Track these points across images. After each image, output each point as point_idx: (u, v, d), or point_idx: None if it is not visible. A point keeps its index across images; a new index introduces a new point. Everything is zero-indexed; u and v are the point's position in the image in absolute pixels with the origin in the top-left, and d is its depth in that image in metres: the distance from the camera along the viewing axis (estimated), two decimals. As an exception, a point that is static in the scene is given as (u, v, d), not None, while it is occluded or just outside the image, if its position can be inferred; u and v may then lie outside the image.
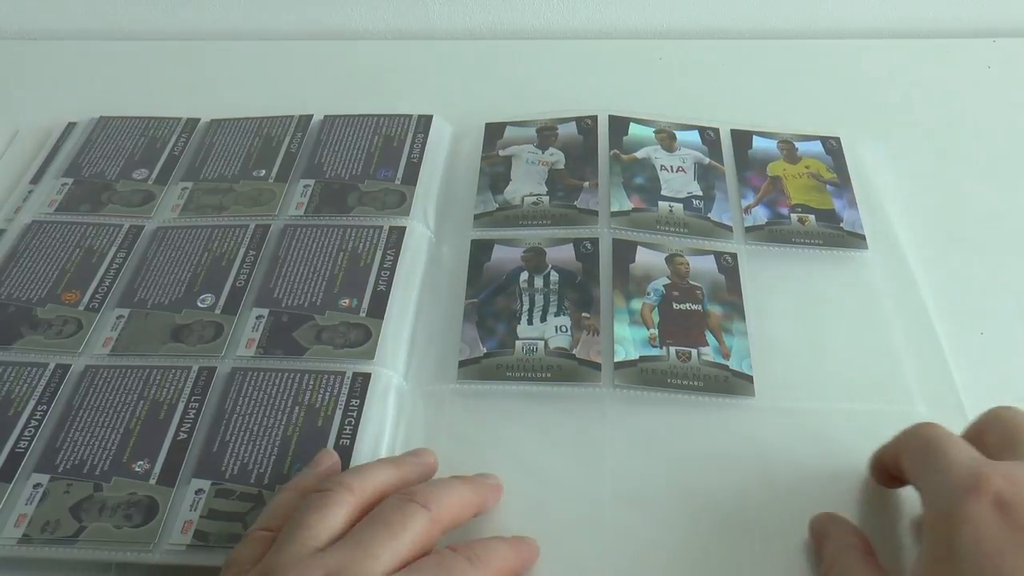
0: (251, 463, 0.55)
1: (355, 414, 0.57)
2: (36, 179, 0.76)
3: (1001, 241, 0.69)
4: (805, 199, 0.70)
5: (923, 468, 0.46)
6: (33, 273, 0.67)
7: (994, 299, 0.65)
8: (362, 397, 0.58)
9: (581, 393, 0.59)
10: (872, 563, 0.47)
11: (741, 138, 0.75)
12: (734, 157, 0.74)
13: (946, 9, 0.91)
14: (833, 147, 0.74)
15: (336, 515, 0.47)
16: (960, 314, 0.63)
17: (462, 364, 0.61)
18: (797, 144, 0.75)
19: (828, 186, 0.71)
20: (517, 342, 0.62)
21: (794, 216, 0.69)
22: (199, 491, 0.54)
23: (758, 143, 0.75)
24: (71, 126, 0.81)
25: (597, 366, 0.60)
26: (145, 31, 0.95)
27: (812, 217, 0.69)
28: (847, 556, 0.48)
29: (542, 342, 0.62)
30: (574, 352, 0.61)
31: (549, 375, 0.60)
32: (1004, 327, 0.63)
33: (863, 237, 0.67)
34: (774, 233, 0.68)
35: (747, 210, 0.70)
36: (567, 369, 0.60)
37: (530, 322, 0.63)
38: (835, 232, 0.68)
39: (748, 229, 0.68)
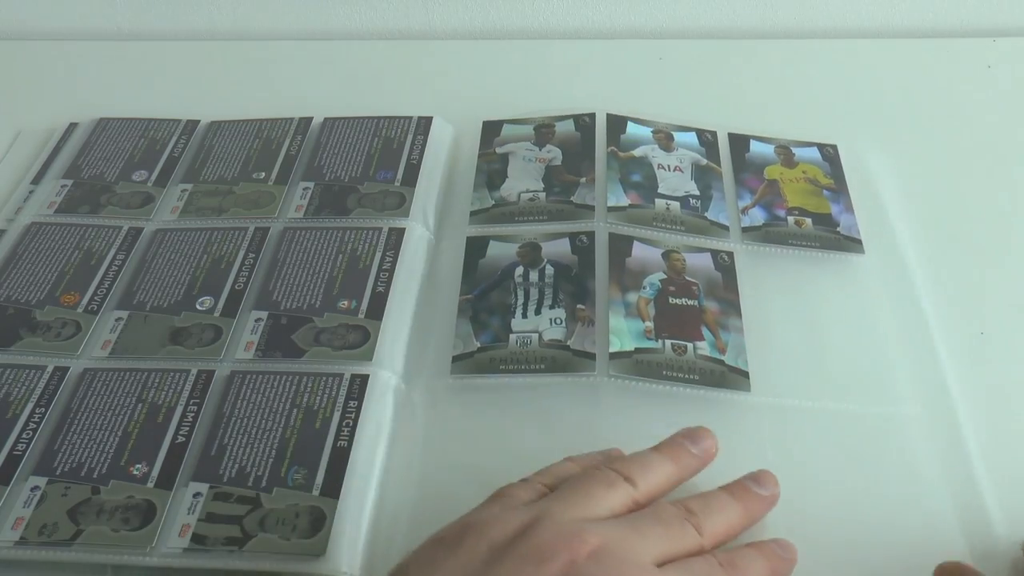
0: (249, 466, 0.55)
1: (353, 415, 0.57)
2: (36, 180, 0.76)
3: (1002, 240, 0.69)
4: (802, 203, 0.70)
5: None
6: (32, 275, 0.67)
7: (994, 299, 0.65)
8: (360, 398, 0.58)
9: (576, 383, 0.59)
10: None
11: (739, 142, 0.75)
12: (731, 159, 0.74)
13: (946, 9, 0.91)
14: (830, 154, 0.74)
15: (616, 498, 0.48)
16: (960, 314, 0.63)
17: (455, 359, 0.61)
18: (794, 150, 0.74)
19: (825, 191, 0.71)
20: (511, 335, 0.62)
21: (791, 219, 0.69)
22: (197, 494, 0.54)
23: (755, 147, 0.75)
24: (72, 127, 0.81)
25: (592, 356, 0.60)
26: (145, 32, 0.95)
27: (809, 220, 0.69)
28: None
29: (536, 335, 0.62)
30: (568, 343, 0.61)
31: (543, 366, 0.60)
32: (1004, 327, 0.63)
33: (859, 242, 0.67)
34: (771, 234, 0.68)
35: (744, 211, 0.70)
36: (561, 360, 0.60)
37: (524, 315, 0.63)
38: (832, 236, 0.68)
39: (745, 229, 0.68)
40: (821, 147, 0.75)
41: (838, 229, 0.68)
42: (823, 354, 0.61)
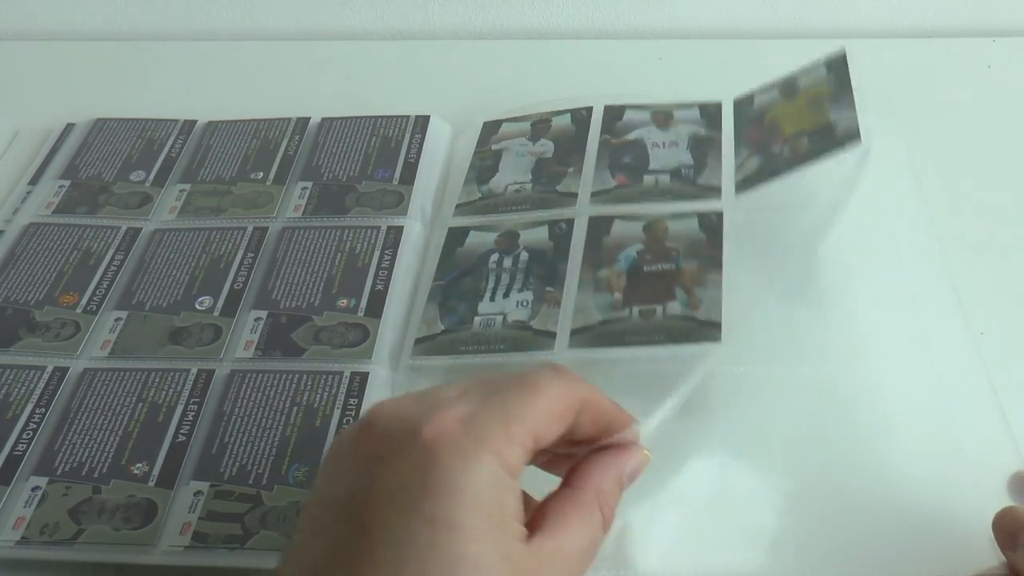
0: (250, 464, 0.55)
1: (353, 413, 0.57)
2: (34, 180, 0.76)
3: (1002, 239, 0.69)
4: (799, 127, 0.65)
5: None
6: (31, 275, 0.67)
7: (995, 299, 0.64)
8: (360, 396, 0.58)
9: (534, 361, 0.58)
10: None
11: (743, 102, 0.71)
12: (734, 118, 0.71)
13: (946, 9, 0.91)
14: (836, 64, 0.67)
15: None
16: (960, 313, 0.62)
17: (418, 341, 0.61)
18: (800, 77, 0.68)
19: (826, 100, 0.65)
20: (476, 318, 0.61)
21: (786, 148, 0.64)
22: (198, 493, 0.54)
23: (760, 98, 0.71)
24: (70, 127, 0.81)
25: (553, 335, 0.59)
26: (143, 32, 0.95)
27: (805, 139, 0.64)
28: None
29: (501, 316, 0.61)
30: (531, 323, 0.60)
31: (503, 346, 0.59)
32: (1004, 327, 0.63)
33: (857, 135, 0.60)
34: (763, 173, 0.64)
35: (741, 164, 0.66)
36: (522, 340, 0.59)
37: (492, 299, 0.62)
38: (826, 142, 0.62)
39: (739, 184, 0.65)
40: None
41: (835, 131, 0.62)
42: (807, 309, 0.61)
